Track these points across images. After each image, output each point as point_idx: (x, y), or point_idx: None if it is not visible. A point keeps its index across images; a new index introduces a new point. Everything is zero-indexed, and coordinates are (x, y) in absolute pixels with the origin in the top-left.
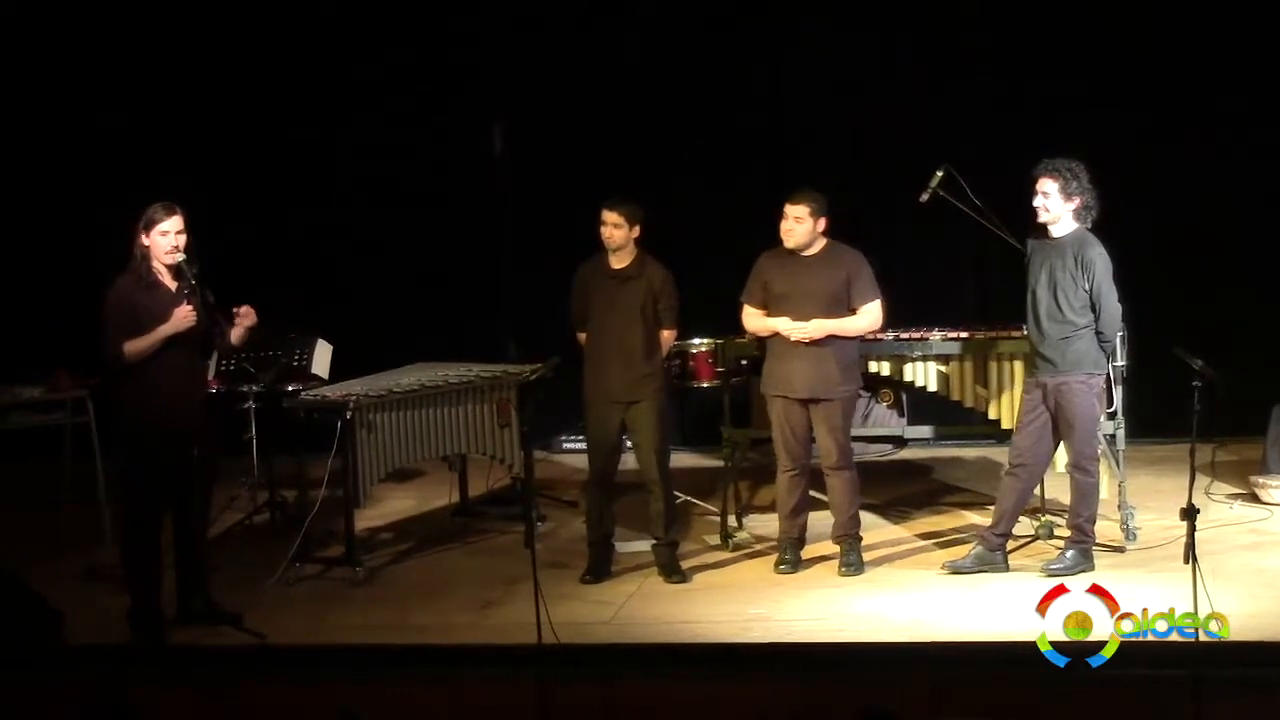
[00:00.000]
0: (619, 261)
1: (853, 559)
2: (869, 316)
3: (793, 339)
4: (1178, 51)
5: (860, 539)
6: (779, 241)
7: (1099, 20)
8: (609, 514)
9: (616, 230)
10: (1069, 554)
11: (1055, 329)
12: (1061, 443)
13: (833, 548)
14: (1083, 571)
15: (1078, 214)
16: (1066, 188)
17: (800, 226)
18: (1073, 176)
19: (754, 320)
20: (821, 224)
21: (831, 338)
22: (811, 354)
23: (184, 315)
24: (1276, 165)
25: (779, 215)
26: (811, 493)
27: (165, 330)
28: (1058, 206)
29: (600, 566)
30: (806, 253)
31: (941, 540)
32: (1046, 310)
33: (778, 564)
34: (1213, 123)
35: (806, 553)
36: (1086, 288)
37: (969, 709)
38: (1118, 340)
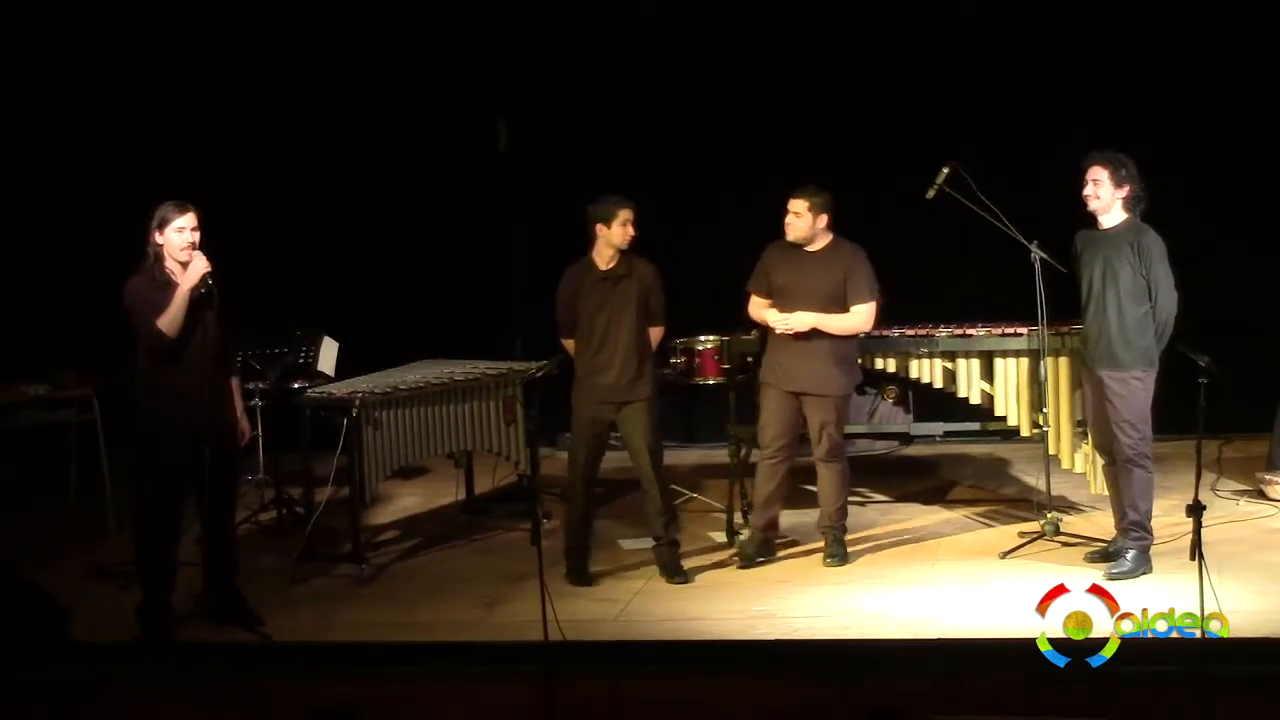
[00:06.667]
0: (607, 262)
1: (836, 550)
2: (859, 316)
3: (778, 330)
4: (1181, 47)
5: (845, 530)
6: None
7: (1102, 19)
8: (591, 516)
9: (798, 219)
10: (1130, 555)
11: (1117, 322)
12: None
13: None
14: (1144, 574)
15: (1127, 203)
16: (1116, 175)
17: (799, 221)
18: (1121, 164)
19: (755, 309)
20: (823, 220)
21: (824, 334)
22: (804, 348)
23: (198, 269)
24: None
25: (784, 213)
26: (810, 487)
27: (185, 286)
28: (1108, 194)
29: (582, 570)
30: (810, 248)
31: (947, 538)
32: (1106, 302)
33: (736, 554)
34: (1218, 119)
35: (806, 549)
36: (1144, 273)
37: (975, 706)
38: (1169, 327)
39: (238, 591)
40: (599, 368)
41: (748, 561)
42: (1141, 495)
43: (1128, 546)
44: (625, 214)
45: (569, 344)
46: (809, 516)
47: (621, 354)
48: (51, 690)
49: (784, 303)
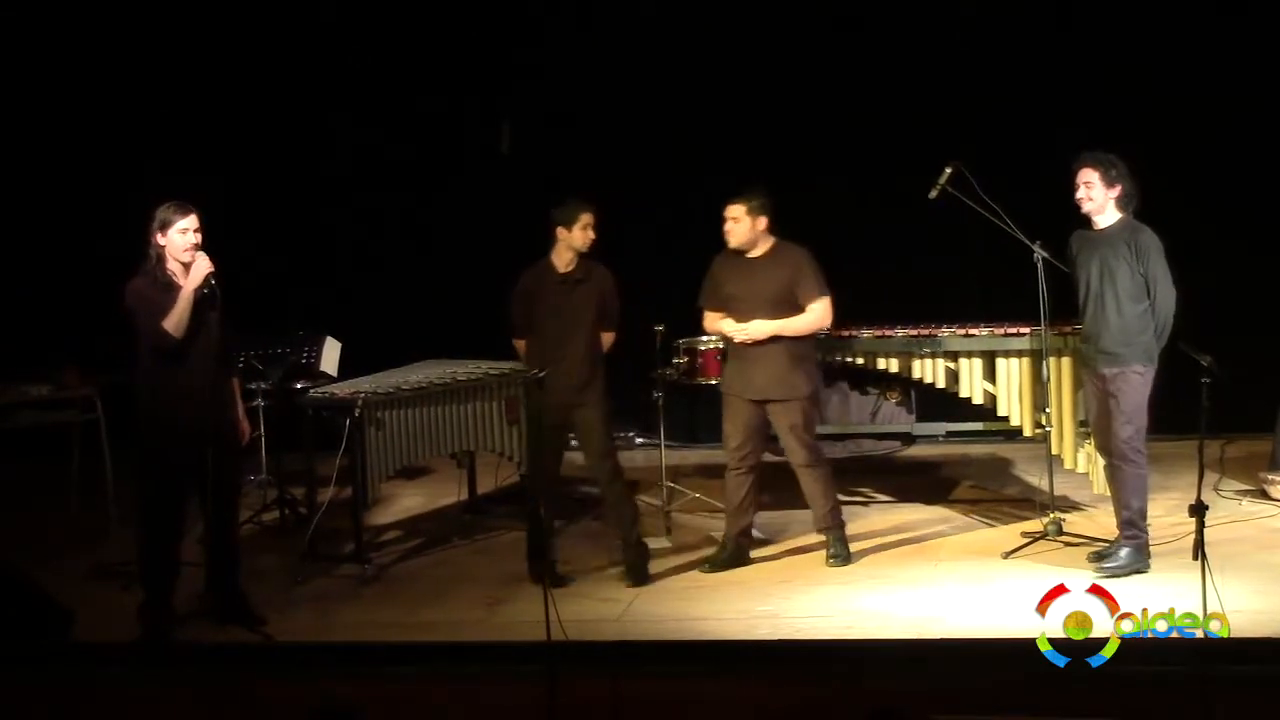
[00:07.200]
0: (566, 265)
1: (837, 549)
2: (814, 314)
3: (735, 340)
4: (1181, 47)
5: (843, 526)
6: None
7: (1102, 19)
8: (550, 518)
9: (736, 224)
10: (1123, 552)
11: (1117, 320)
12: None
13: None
14: (1138, 571)
15: (1120, 202)
16: (1107, 175)
17: (738, 226)
18: (1111, 165)
19: (710, 324)
20: (762, 223)
21: (781, 338)
22: (762, 355)
23: (201, 269)
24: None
25: (789, 214)
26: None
27: (189, 287)
28: (1100, 195)
29: (551, 571)
30: (753, 253)
31: (950, 538)
32: (1104, 302)
33: (701, 563)
34: (1219, 119)
35: (809, 548)
36: (1142, 271)
37: (975, 706)
38: (1168, 324)
39: (240, 591)
40: (555, 370)
41: (713, 568)
42: (1134, 493)
43: (1122, 544)
44: (587, 217)
45: (520, 345)
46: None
47: (576, 357)
48: (51, 690)
49: (736, 312)
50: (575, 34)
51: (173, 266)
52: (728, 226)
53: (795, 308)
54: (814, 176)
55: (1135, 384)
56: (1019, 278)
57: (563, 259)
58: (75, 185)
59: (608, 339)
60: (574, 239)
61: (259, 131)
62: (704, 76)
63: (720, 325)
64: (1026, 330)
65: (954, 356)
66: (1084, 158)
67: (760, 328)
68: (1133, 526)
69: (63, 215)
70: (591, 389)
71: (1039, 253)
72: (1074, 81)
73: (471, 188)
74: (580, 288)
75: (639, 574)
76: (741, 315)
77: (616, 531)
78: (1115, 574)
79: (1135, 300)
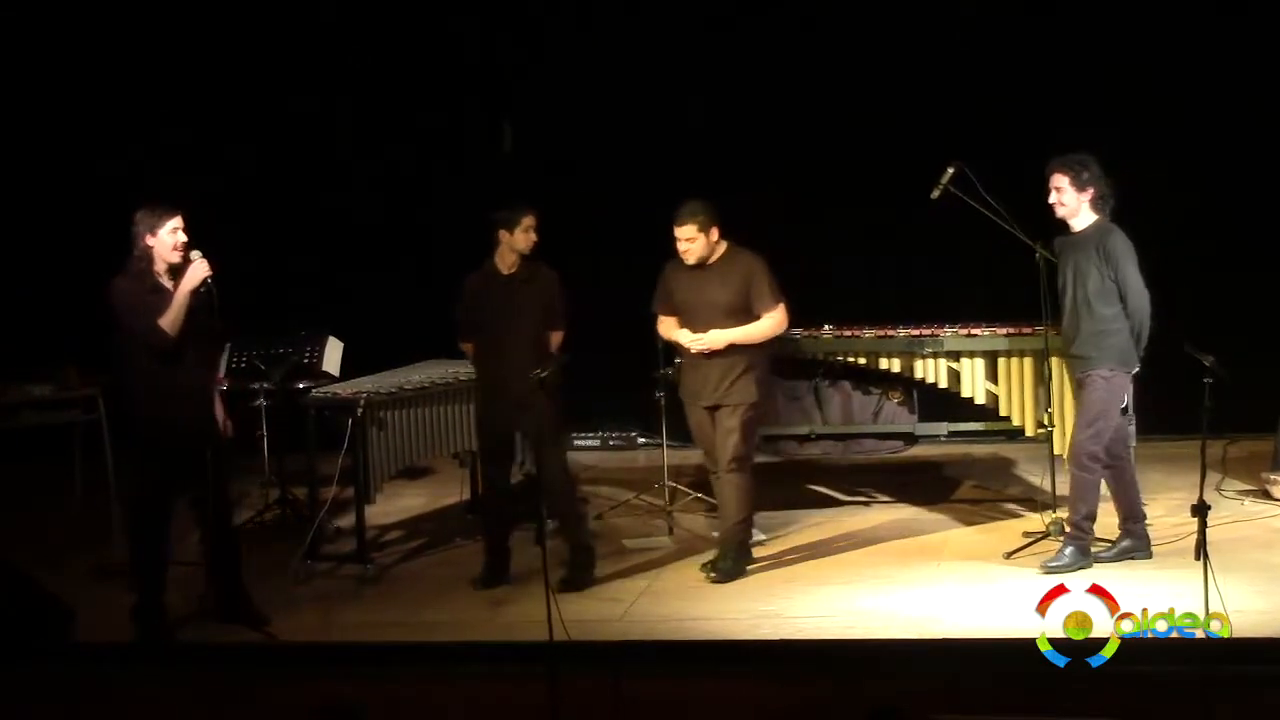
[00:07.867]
0: (509, 267)
1: (722, 564)
2: (770, 322)
3: (692, 351)
4: (1183, 47)
5: (741, 544)
6: None
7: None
8: (509, 518)
9: (692, 244)
10: (1067, 551)
11: (1088, 323)
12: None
13: (834, 547)
14: (1081, 569)
15: (1094, 205)
16: (1078, 179)
17: (694, 245)
18: (1083, 168)
19: (665, 330)
20: (714, 233)
21: (735, 345)
22: (717, 364)
23: (199, 272)
24: None
25: (792, 214)
26: (815, 487)
27: (186, 287)
28: (1072, 200)
29: (503, 570)
30: (706, 261)
31: (952, 538)
32: (1077, 305)
33: (703, 566)
34: (1223, 120)
35: (810, 548)
36: (1111, 276)
37: (975, 706)
38: (1145, 327)
39: (244, 591)
40: (503, 374)
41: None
42: (1082, 498)
43: (1066, 543)
44: (528, 220)
45: (467, 347)
46: (821, 515)
47: (524, 357)
48: (52, 690)
49: (690, 320)
50: (575, 34)
51: (160, 268)
52: (683, 248)
53: (749, 315)
54: (815, 176)
55: (1099, 387)
56: (1021, 278)
57: (505, 261)
58: (75, 185)
59: (555, 338)
60: (516, 241)
61: (260, 131)
62: (706, 74)
63: (676, 336)
64: (1028, 330)
65: (956, 356)
66: (1054, 162)
67: (717, 338)
68: (1079, 529)
69: (63, 215)
70: (542, 388)
71: (1040, 253)
72: (1074, 81)
73: (471, 188)
74: (525, 288)
75: (581, 579)
76: (696, 324)
77: (563, 533)
78: (1059, 571)
79: (1105, 303)
